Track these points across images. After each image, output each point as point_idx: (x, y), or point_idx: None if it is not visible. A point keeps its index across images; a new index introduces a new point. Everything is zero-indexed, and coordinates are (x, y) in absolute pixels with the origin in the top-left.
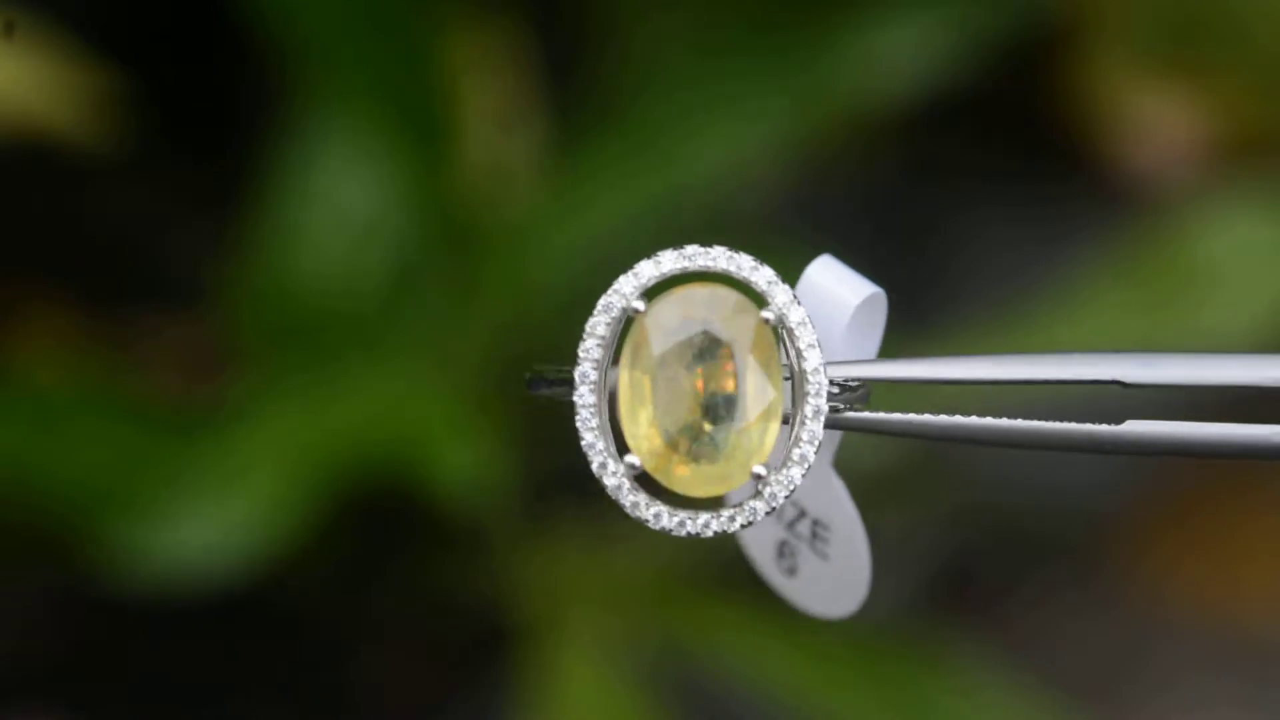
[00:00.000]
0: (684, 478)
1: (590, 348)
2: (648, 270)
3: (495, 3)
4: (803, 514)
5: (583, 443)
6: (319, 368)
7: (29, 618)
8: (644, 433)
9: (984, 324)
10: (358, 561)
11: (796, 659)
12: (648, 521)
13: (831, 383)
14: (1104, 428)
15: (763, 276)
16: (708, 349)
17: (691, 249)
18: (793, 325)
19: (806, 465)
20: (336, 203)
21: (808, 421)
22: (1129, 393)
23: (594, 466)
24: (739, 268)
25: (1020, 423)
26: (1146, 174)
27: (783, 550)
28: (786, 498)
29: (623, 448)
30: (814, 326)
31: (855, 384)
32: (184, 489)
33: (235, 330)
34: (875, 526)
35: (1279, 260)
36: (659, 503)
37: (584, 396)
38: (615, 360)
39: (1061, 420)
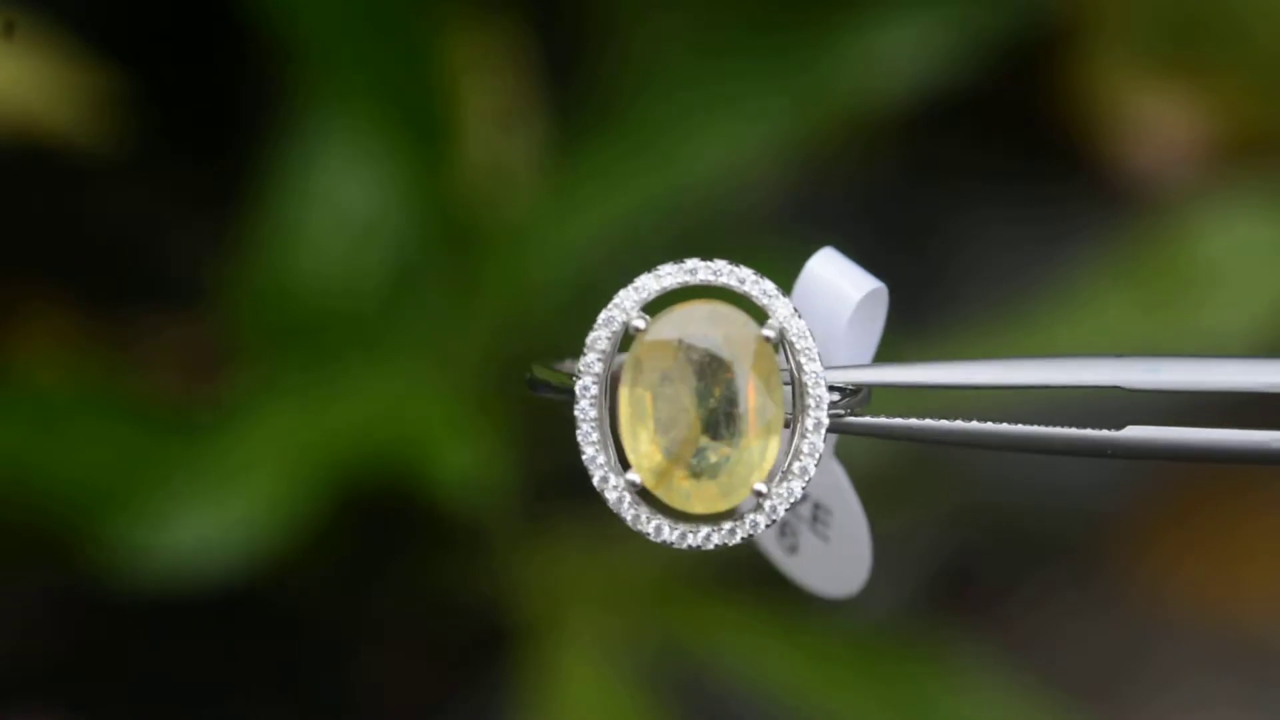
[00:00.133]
0: (685, 495)
1: (591, 362)
2: (648, 284)
3: (495, 3)
4: (804, 497)
5: (584, 457)
6: (319, 368)
7: (29, 618)
8: (645, 450)
9: (984, 324)
10: (358, 561)
11: (796, 659)
12: (649, 534)
13: (832, 387)
14: (1104, 433)
15: (763, 290)
16: (708, 367)
17: (692, 262)
18: (793, 339)
19: (807, 478)
20: (336, 203)
21: (808, 434)
22: (1130, 396)
23: (595, 480)
24: (740, 281)
25: (1020, 427)
26: (1146, 174)
27: (784, 529)
28: (787, 510)
29: (624, 460)
30: (814, 335)
31: (856, 388)
32: (184, 489)
33: (235, 330)
34: (875, 526)
35: (1279, 260)
36: (660, 515)
37: (585, 411)
38: (616, 375)
39: (1062, 424)
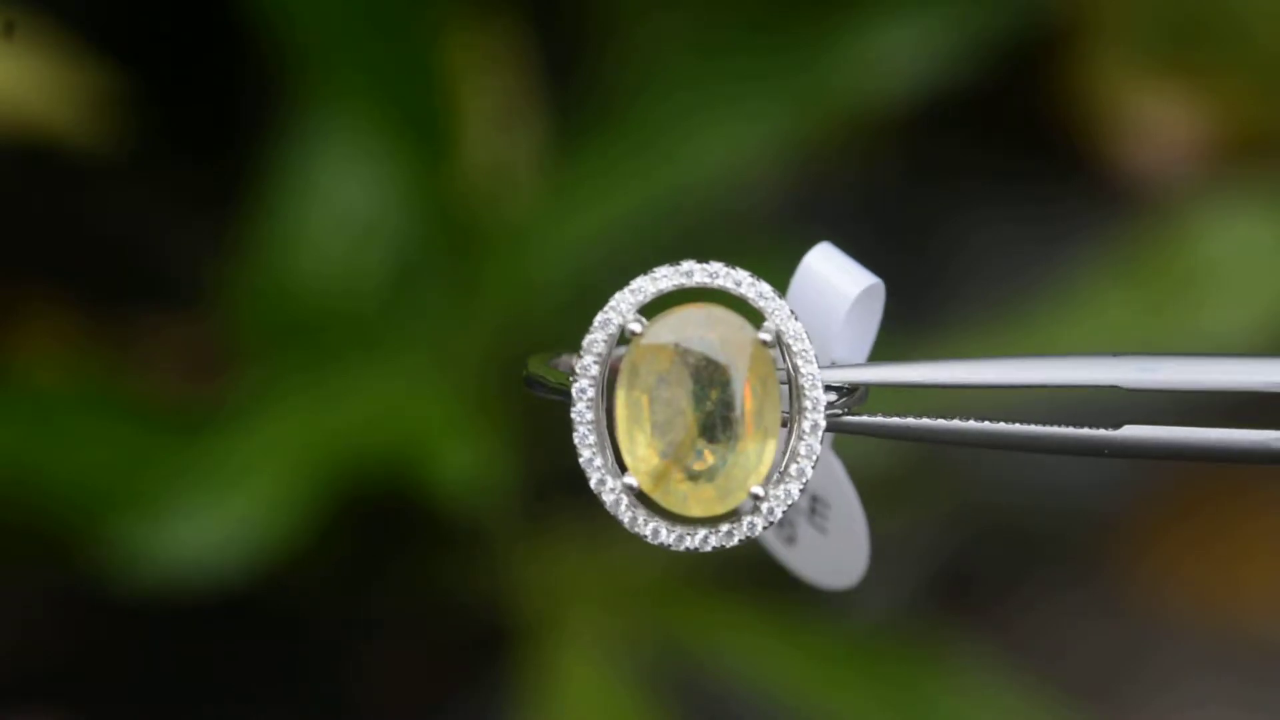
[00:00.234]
0: (682, 498)
1: (588, 364)
2: (644, 287)
3: (495, 3)
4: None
5: (581, 459)
6: (319, 368)
7: (29, 618)
8: (641, 453)
9: (984, 324)
10: (358, 561)
11: (796, 659)
12: (646, 537)
13: (829, 386)
14: (1101, 432)
15: (759, 292)
16: (705, 370)
17: (688, 264)
18: (789, 340)
19: (804, 480)
20: (336, 203)
21: (805, 436)
22: (1128, 395)
23: (592, 483)
24: (736, 283)
25: (1018, 427)
26: (1146, 174)
27: (782, 521)
28: (784, 513)
29: (621, 462)
30: (811, 331)
31: (853, 387)
32: (184, 489)
33: (235, 330)
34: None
35: (1279, 260)
36: (657, 518)
37: (582, 414)
38: (612, 377)
39: (1059, 424)
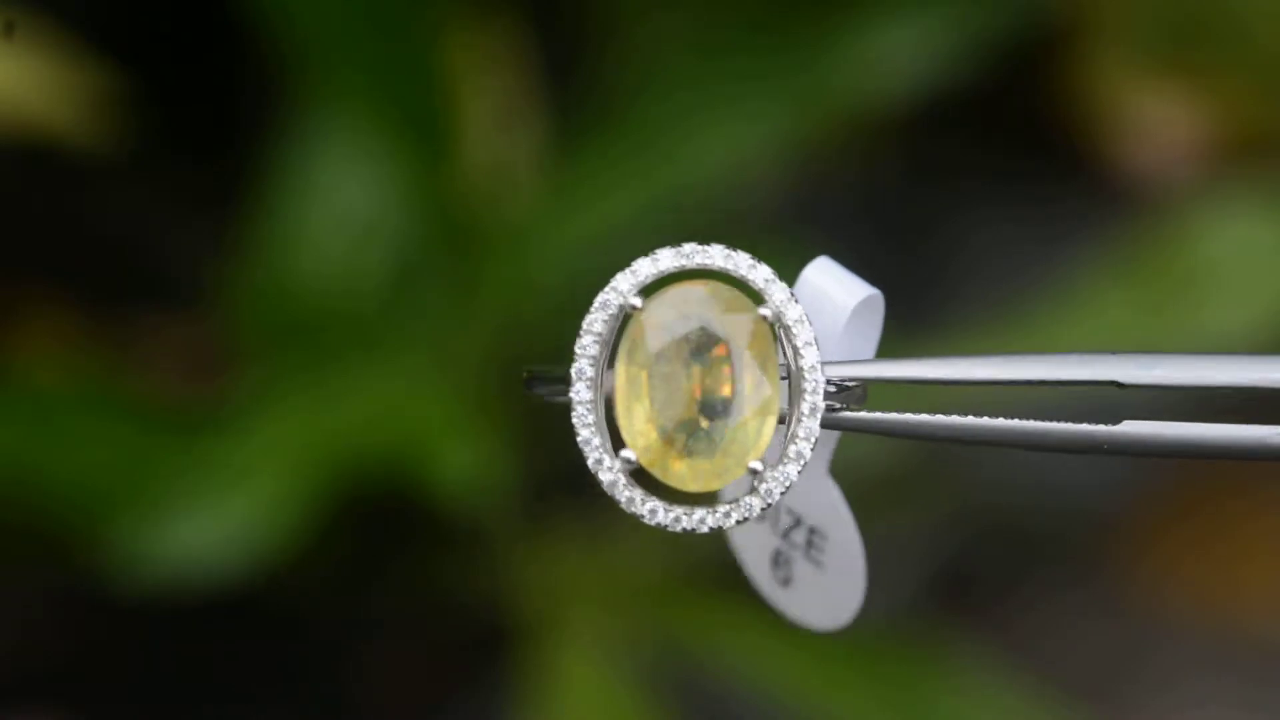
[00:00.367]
0: (680, 473)
1: (587, 344)
2: (645, 268)
3: (495, 3)
4: (798, 522)
5: (578, 439)
6: (319, 368)
7: (29, 618)
8: (640, 428)
9: (984, 324)
10: (358, 561)
11: (796, 659)
12: (643, 517)
13: (828, 382)
14: (1100, 428)
15: (760, 274)
16: (704, 345)
17: (689, 247)
18: (790, 323)
19: (803, 462)
20: (336, 203)
21: (804, 419)
22: (1126, 393)
23: (590, 462)
24: (736, 265)
25: (1017, 423)
26: (1146, 174)
27: (778, 560)
28: (782, 494)
29: (619, 445)
30: (811, 325)
31: (852, 384)
32: (184, 489)
33: (235, 330)
34: (876, 527)
35: (1279, 260)
36: (654, 498)
37: (580, 393)
38: (612, 359)
39: (1059, 420)
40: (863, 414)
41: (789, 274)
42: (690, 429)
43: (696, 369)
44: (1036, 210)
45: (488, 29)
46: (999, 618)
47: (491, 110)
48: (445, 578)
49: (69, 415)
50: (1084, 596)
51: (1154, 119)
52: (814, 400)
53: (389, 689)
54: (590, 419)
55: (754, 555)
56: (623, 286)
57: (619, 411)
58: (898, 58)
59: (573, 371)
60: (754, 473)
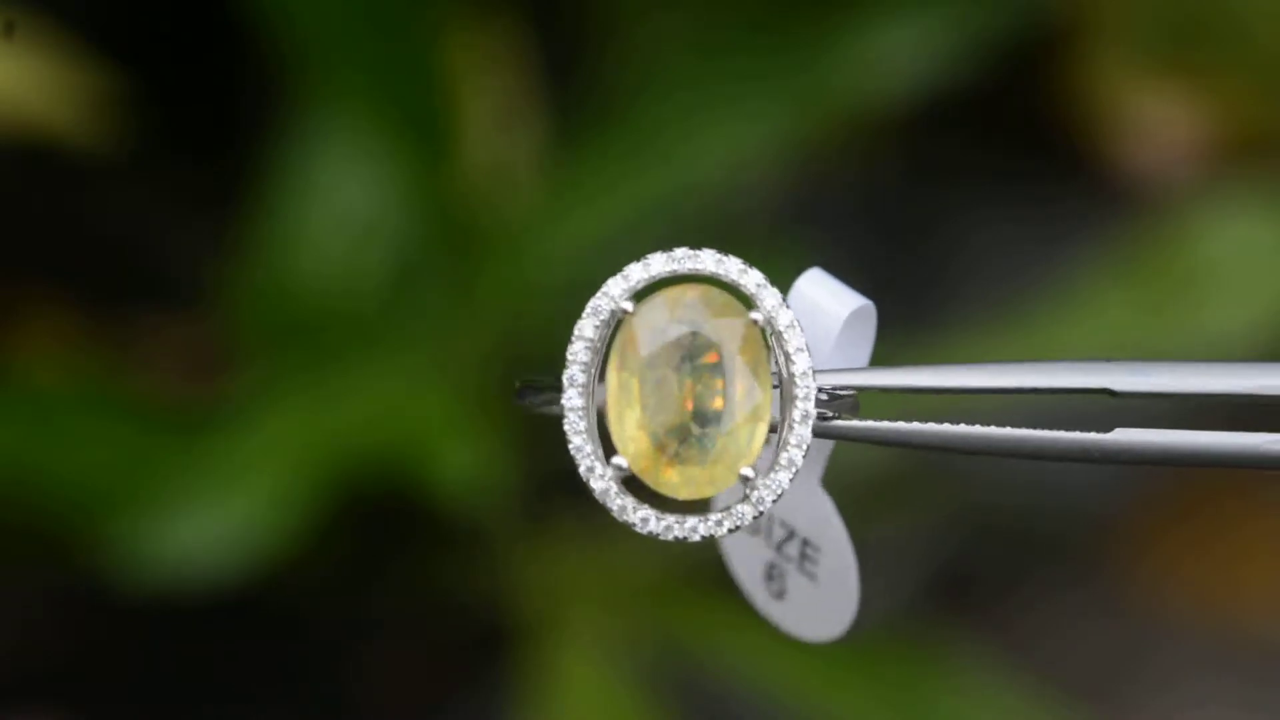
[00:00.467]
0: (671, 480)
1: (578, 350)
2: (636, 273)
3: (495, 3)
4: (791, 534)
5: (570, 446)
6: (319, 368)
7: (29, 618)
8: (631, 434)
9: (984, 324)
10: (358, 561)
11: (796, 659)
12: (635, 526)
13: (820, 391)
14: (1093, 436)
15: (751, 280)
16: (696, 350)
17: (680, 252)
18: (781, 328)
19: (794, 469)
20: (336, 203)
21: (796, 426)
22: (1120, 401)
23: (581, 470)
24: (727, 271)
25: (1010, 431)
26: (1146, 174)
27: (771, 573)
28: (774, 502)
29: (611, 452)
30: (802, 330)
31: (845, 392)
32: (184, 489)
33: (235, 330)
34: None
35: (1279, 260)
36: (646, 506)
37: (571, 399)
38: (604, 365)
39: (1052, 428)
40: (855, 423)
41: (787, 275)
42: (682, 435)
43: (688, 374)
44: (1036, 210)
45: (488, 29)
46: (999, 618)
47: (491, 110)
48: (445, 578)
49: (69, 415)
50: (1084, 596)
51: (1154, 119)
52: (806, 407)
53: (389, 689)
54: (582, 426)
55: (747, 568)
56: (614, 291)
57: (611, 418)
58: (898, 58)
59: (564, 378)
60: (746, 480)
